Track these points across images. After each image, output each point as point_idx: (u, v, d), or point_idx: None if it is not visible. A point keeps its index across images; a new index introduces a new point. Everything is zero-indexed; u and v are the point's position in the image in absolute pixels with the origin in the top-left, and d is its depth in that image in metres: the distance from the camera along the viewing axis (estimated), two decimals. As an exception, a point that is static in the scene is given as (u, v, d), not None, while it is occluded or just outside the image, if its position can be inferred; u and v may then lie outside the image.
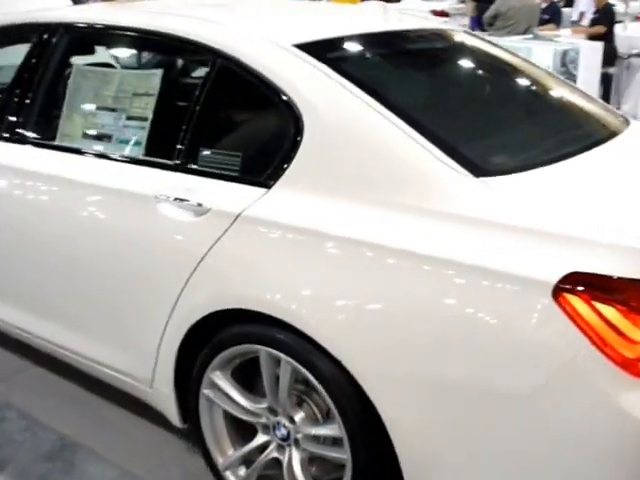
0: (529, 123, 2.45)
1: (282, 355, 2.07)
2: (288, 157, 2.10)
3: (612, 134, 2.43)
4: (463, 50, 2.78)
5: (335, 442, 2.09)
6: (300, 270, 2.02)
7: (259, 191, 2.13)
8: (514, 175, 1.98)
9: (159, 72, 2.47)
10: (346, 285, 1.94)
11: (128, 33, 2.57)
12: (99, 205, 2.44)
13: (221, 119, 2.34)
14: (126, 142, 2.48)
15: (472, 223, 1.84)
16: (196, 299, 2.19)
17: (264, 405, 2.21)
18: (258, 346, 2.12)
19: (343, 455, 2.04)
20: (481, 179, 1.93)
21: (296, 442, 2.17)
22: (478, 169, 1.95)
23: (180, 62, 2.76)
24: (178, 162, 2.29)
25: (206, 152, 2.28)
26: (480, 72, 2.76)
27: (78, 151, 2.56)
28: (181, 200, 2.22)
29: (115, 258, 2.38)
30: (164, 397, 2.41)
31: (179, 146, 2.29)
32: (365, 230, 1.95)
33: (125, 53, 2.73)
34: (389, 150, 1.99)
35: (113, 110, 2.55)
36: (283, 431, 2.19)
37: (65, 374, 2.88)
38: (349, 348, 1.94)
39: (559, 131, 2.40)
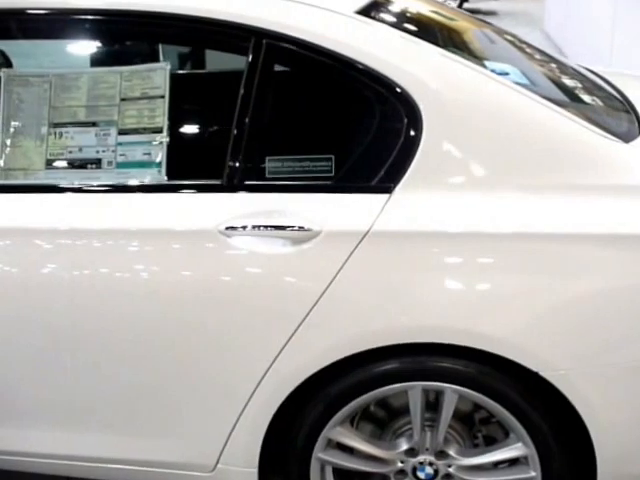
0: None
1: (447, 385, 1.73)
2: (406, 151, 1.68)
3: None
4: None
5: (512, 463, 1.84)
6: (469, 282, 1.66)
7: (379, 198, 1.68)
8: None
9: (166, 66, 1.82)
10: (532, 288, 1.64)
11: (98, 17, 1.84)
12: (129, 260, 1.76)
13: (288, 116, 1.81)
14: (129, 165, 1.82)
15: None
16: (311, 349, 1.70)
17: (403, 448, 1.86)
18: (411, 383, 1.74)
19: (528, 474, 1.81)
20: (630, 144, 1.75)
21: (447, 477, 1.88)
22: (623, 135, 1.76)
23: (198, 50, 2.07)
24: (235, 179, 1.73)
25: (278, 161, 1.74)
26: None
27: (47, 188, 1.82)
28: (265, 227, 1.70)
29: (176, 324, 1.74)
30: (234, 477, 1.92)
31: (232, 158, 1.73)
32: (535, 220, 1.64)
33: (89, 45, 1.98)
34: (536, 127, 1.68)
35: (90, 125, 1.87)
36: (429, 470, 1.86)
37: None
38: (552, 359, 1.67)
39: None
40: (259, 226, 1.68)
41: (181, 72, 1.84)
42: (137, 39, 1.96)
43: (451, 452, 1.84)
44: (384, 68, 1.70)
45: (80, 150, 1.85)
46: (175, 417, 1.84)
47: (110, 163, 1.83)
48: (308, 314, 1.68)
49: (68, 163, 1.85)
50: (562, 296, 1.64)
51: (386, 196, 1.69)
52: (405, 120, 1.70)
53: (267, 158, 1.74)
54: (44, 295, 1.77)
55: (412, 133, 1.69)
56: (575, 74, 2.28)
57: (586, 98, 2.04)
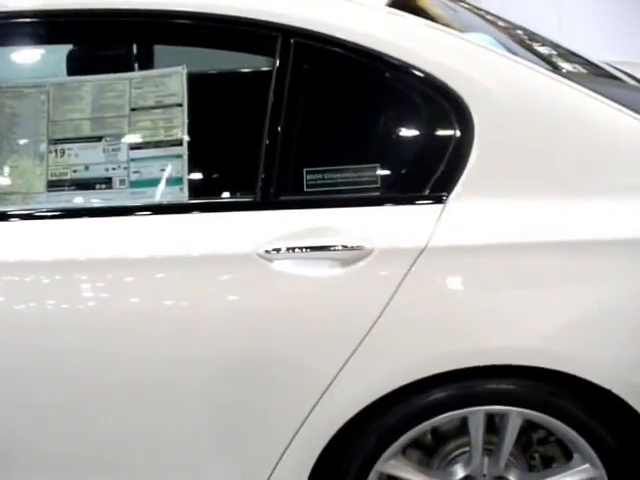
0: None
1: (512, 408, 1.60)
2: (458, 157, 1.53)
3: None
4: None
5: None
6: (540, 298, 1.52)
7: (432, 209, 1.53)
8: None
9: (182, 70, 1.62)
10: (607, 302, 1.52)
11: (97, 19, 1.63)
12: (154, 292, 1.54)
13: (326, 123, 1.62)
14: (145, 184, 1.61)
15: None
16: (365, 379, 1.53)
17: (460, 476, 1.70)
18: (474, 408, 1.60)
19: None
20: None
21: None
22: None
23: (218, 51, 1.86)
24: (270, 194, 1.55)
25: (317, 173, 1.55)
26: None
27: (50, 214, 1.59)
28: (310, 249, 1.53)
29: (213, 360, 1.54)
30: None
31: (265, 172, 1.54)
32: (608, 226, 1.52)
33: (92, 50, 1.75)
34: (599, 126, 1.55)
35: (97, 139, 1.65)
36: None
37: None
38: (626, 376, 1.54)
39: None
40: (303, 247, 1.50)
41: (200, 76, 1.63)
42: (141, 41, 1.75)
43: (511, 478, 1.72)
44: (430, 67, 1.55)
45: (86, 169, 1.63)
46: (215, 457, 1.65)
47: (122, 182, 1.62)
48: (362, 341, 1.51)
49: (73, 184, 1.63)
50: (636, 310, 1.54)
51: (439, 207, 1.54)
52: (455, 123, 1.55)
53: (305, 170, 1.57)
54: (62, 338, 1.56)
55: (463, 136, 1.54)
56: (595, 66, 2.18)
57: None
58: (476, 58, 1.58)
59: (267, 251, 1.51)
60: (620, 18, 5.64)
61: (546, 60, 1.83)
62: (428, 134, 1.59)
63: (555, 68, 1.76)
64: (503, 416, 1.62)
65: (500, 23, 2.22)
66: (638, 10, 5.58)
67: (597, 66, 2.07)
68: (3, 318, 1.57)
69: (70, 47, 1.77)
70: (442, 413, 1.59)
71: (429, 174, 1.55)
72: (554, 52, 2.04)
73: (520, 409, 1.59)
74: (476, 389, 1.57)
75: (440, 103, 1.57)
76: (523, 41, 2.07)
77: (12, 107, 1.66)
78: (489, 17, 2.23)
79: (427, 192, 1.55)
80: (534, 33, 2.26)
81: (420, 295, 1.51)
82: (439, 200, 1.54)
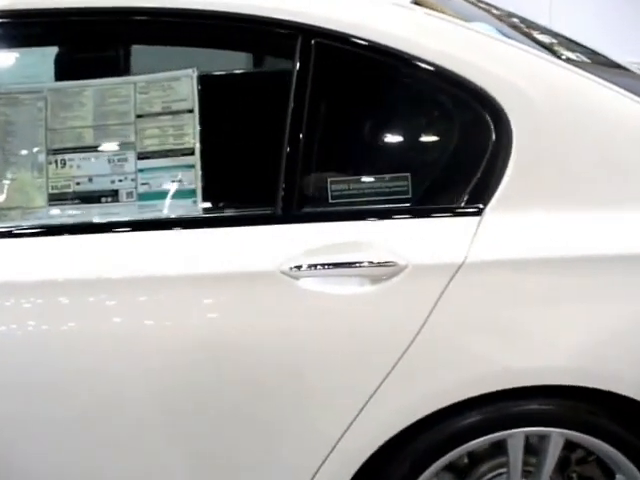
0: None
1: (554, 430, 1.50)
2: (495, 165, 1.42)
3: None
4: None
5: None
6: (587, 314, 1.41)
7: (469, 222, 1.42)
8: None
9: (192, 73, 1.49)
10: None
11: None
12: (170, 313, 1.42)
13: (352, 129, 1.49)
14: (155, 196, 1.48)
15: None
16: (400, 403, 1.43)
17: None
18: (514, 430, 1.50)
19: None
20: None
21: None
22: None
23: (232, 52, 1.72)
24: (292, 207, 1.43)
25: (343, 183, 1.44)
26: None
27: (52, 230, 1.46)
28: (339, 265, 1.42)
29: (236, 385, 1.43)
30: None
31: (287, 182, 1.42)
32: None
33: (94, 52, 1.61)
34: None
35: (100, 149, 1.53)
36: None
37: None
38: None
39: None
40: (330, 264, 1.39)
41: (213, 80, 1.50)
42: (147, 41, 1.61)
43: None
44: (463, 69, 1.43)
45: (90, 181, 1.51)
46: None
47: (130, 195, 1.50)
48: (396, 363, 1.40)
49: (76, 197, 1.50)
50: None
51: (476, 219, 1.43)
52: (491, 128, 1.43)
53: (329, 180, 1.46)
54: (81, 360, 1.43)
55: (500, 142, 1.43)
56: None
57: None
58: (512, 60, 1.47)
59: (292, 268, 1.40)
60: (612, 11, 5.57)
61: (549, 49, 1.72)
62: (462, 140, 1.48)
63: (559, 57, 1.64)
64: (543, 437, 1.53)
65: (494, 11, 2.11)
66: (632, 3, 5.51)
67: (600, 55, 1.97)
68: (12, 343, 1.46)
69: (72, 49, 1.64)
70: (480, 436, 1.49)
71: (464, 183, 1.44)
72: (554, 40, 1.93)
73: (561, 430, 1.50)
74: (515, 410, 1.48)
75: (474, 106, 1.45)
76: (522, 30, 1.96)
77: (6, 115, 1.52)
78: (482, 5, 2.12)
79: (462, 203, 1.44)
80: (531, 21, 2.15)
81: (457, 314, 1.40)
82: (475, 212, 1.43)
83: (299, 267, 1.40)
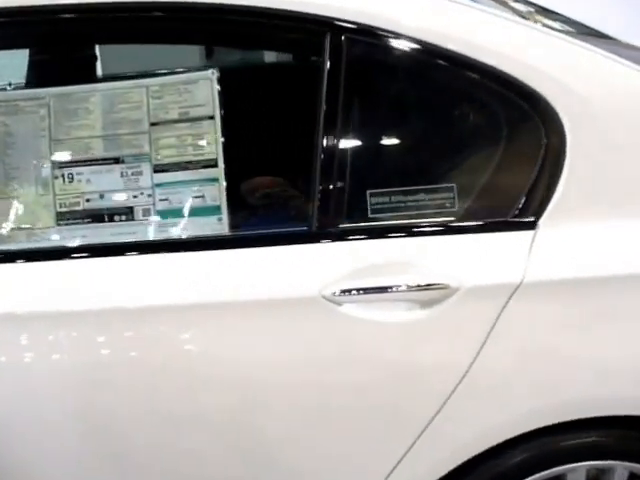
0: None
1: (618, 463, 1.39)
2: (548, 174, 1.29)
3: None
4: None
5: None
6: None
7: (522, 237, 1.29)
8: None
9: (211, 75, 1.33)
10: None
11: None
12: (199, 343, 1.29)
13: (390, 136, 1.35)
14: (175, 214, 1.34)
15: None
16: (455, 438, 1.32)
17: None
18: (576, 464, 1.38)
19: None
20: None
21: None
22: None
23: (254, 51, 1.55)
24: (328, 223, 1.29)
25: (383, 195, 1.30)
26: None
27: (61, 253, 1.32)
28: (383, 289, 1.28)
29: (275, 421, 1.31)
30: None
31: (322, 196, 1.28)
32: None
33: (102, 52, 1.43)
34: None
35: (112, 161, 1.37)
36: None
37: None
38: None
39: None
40: (375, 288, 1.27)
41: (235, 82, 1.34)
42: (163, 39, 1.45)
43: None
44: (513, 68, 1.29)
45: (101, 197, 1.36)
46: None
47: (147, 212, 1.36)
48: (449, 396, 1.28)
49: (87, 216, 1.35)
50: None
51: (530, 233, 1.30)
52: (543, 134, 1.30)
53: (368, 192, 1.32)
54: (112, 391, 1.31)
55: (553, 150, 1.29)
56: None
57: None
58: (567, 59, 1.32)
59: (334, 293, 1.27)
60: None
61: (526, 19, 1.59)
62: (512, 148, 1.33)
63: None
64: (605, 471, 1.43)
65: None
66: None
67: (579, 23, 1.82)
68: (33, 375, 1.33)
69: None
70: (536, 473, 1.38)
71: (514, 194, 1.31)
72: (531, 9, 1.78)
73: (626, 463, 1.40)
74: (575, 443, 1.37)
75: (523, 108, 1.32)
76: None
77: (5, 125, 1.37)
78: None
79: (513, 216, 1.31)
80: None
81: (515, 339, 1.28)
82: (529, 225, 1.30)
83: (342, 292, 1.26)
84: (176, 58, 1.38)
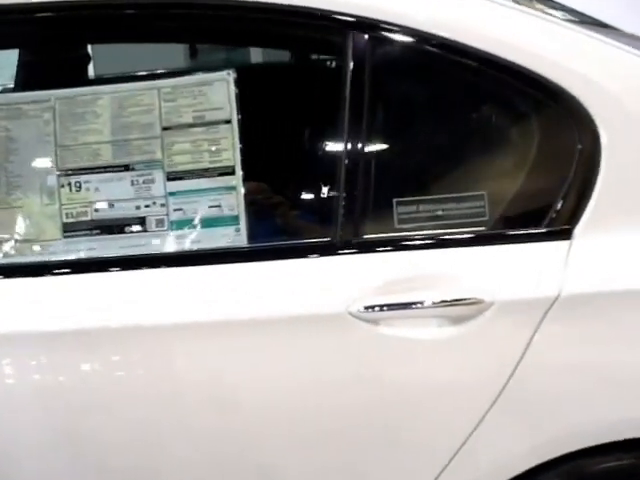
0: None
1: None
2: (582, 180, 1.22)
3: None
4: None
5: None
6: None
7: (557, 247, 1.22)
8: None
9: (228, 76, 1.25)
10: None
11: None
12: (218, 365, 1.22)
13: (416, 141, 1.28)
14: (190, 224, 1.26)
15: None
16: (490, 457, 1.24)
17: None
18: None
19: None
20: None
21: None
22: None
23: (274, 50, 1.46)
24: (352, 234, 1.22)
25: (411, 204, 1.22)
26: None
27: (68, 267, 1.25)
28: (412, 305, 1.21)
29: (303, 450, 1.24)
30: None
31: (346, 204, 1.21)
32: None
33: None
34: None
35: (122, 169, 1.29)
36: None
37: None
38: None
39: None
40: (404, 303, 1.19)
41: (253, 83, 1.26)
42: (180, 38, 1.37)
43: None
44: (546, 69, 1.21)
45: (112, 207, 1.28)
46: None
47: (160, 223, 1.27)
48: (484, 416, 1.21)
49: (96, 227, 1.27)
50: None
51: (566, 243, 1.23)
52: (577, 138, 1.24)
53: (395, 200, 1.25)
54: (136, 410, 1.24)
55: (588, 155, 1.23)
56: None
57: None
58: (602, 58, 1.26)
59: (361, 309, 1.20)
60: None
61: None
62: (543, 150, 1.26)
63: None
64: None
65: None
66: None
67: (583, 14, 1.76)
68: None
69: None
70: None
71: (548, 203, 1.24)
72: None
73: None
74: (615, 466, 1.28)
75: (554, 110, 1.25)
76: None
77: (7, 129, 1.28)
78: None
79: (547, 225, 1.24)
80: None
81: (552, 357, 1.21)
82: (564, 235, 1.24)
83: (370, 307, 1.19)
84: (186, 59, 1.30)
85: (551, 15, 1.41)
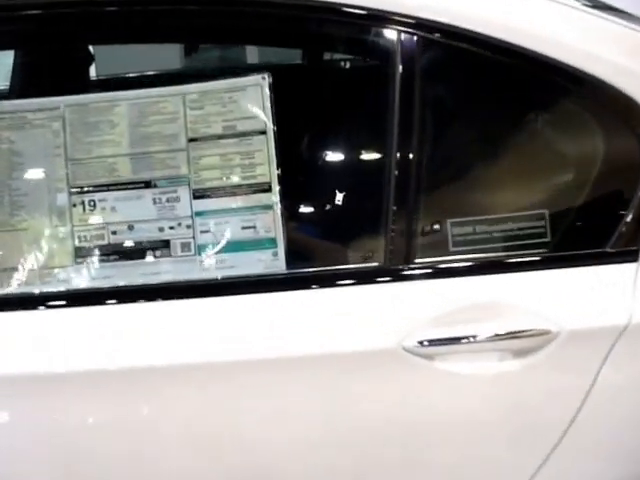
0: None
1: None
2: None
3: None
4: None
5: None
6: None
7: (624, 270, 1.12)
8: None
9: (262, 80, 1.11)
10: None
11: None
12: (257, 407, 1.08)
13: (469, 155, 1.16)
14: (220, 248, 1.11)
15: None
16: None
17: None
18: None
19: None
20: None
21: None
22: None
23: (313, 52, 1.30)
24: (403, 258, 1.10)
25: (467, 225, 1.10)
26: None
27: (81, 298, 1.10)
28: (472, 339, 1.09)
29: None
30: None
31: (395, 225, 1.09)
32: None
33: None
34: None
35: (142, 185, 1.14)
36: None
37: None
38: None
39: None
40: (464, 337, 1.08)
41: (291, 89, 1.13)
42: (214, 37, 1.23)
43: None
44: (611, 76, 1.12)
45: (131, 229, 1.13)
46: None
47: (186, 247, 1.13)
48: (550, 454, 1.10)
49: (113, 252, 1.12)
50: None
51: (633, 266, 1.14)
52: (638, 147, 1.15)
53: (449, 221, 1.14)
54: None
55: None
56: None
57: None
58: None
59: (416, 344, 1.08)
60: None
61: None
62: (608, 164, 1.16)
63: None
64: None
65: None
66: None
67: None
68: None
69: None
70: None
71: (610, 220, 1.15)
72: None
73: None
74: None
75: (618, 119, 1.16)
76: None
77: (10, 141, 1.13)
78: None
79: (611, 246, 1.13)
80: None
81: (623, 388, 1.12)
82: (631, 256, 1.14)
83: (424, 342, 1.08)
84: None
85: None
